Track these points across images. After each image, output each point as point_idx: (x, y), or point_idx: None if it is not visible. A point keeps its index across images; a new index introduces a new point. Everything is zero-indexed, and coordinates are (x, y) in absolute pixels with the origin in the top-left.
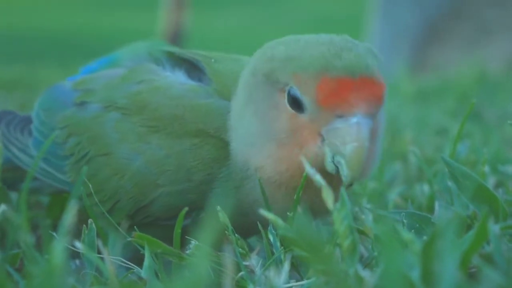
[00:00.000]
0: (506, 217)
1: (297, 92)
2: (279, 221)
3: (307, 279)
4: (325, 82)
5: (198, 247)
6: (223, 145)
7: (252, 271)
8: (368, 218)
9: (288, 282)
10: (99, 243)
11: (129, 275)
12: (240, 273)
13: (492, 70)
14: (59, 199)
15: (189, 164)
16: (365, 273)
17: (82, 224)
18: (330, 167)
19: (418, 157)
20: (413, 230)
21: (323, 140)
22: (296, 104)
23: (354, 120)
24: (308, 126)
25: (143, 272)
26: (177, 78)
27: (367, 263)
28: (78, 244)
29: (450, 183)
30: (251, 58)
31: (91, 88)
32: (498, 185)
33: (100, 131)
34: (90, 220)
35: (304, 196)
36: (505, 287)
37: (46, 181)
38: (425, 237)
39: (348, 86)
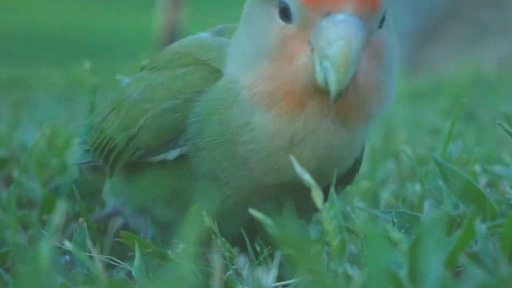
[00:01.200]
0: (494, 216)
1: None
2: (268, 221)
3: (295, 278)
4: None
5: (184, 248)
6: (215, 72)
7: (239, 272)
8: (359, 217)
9: (277, 282)
10: (89, 242)
11: (119, 273)
12: (228, 273)
13: (487, 71)
14: (52, 198)
15: (179, 85)
16: (353, 272)
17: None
18: (320, 78)
19: (409, 157)
20: (403, 230)
21: (312, 48)
22: (285, 13)
23: (340, 17)
24: (297, 35)
25: (133, 271)
26: (200, 35)
27: (356, 262)
28: (67, 243)
29: (440, 182)
30: None
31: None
32: (489, 184)
33: (120, 93)
34: (81, 219)
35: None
36: (490, 285)
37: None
38: (414, 237)
39: None
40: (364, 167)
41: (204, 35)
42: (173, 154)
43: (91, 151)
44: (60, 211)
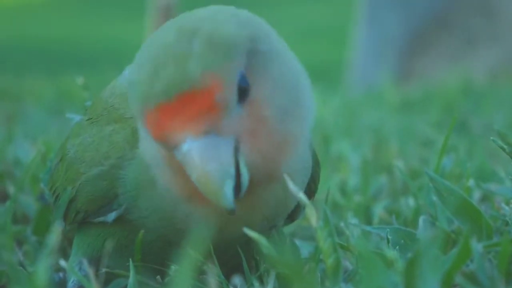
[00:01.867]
0: (490, 233)
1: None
2: (262, 240)
3: None
4: (148, 115)
5: (178, 272)
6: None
7: None
8: (353, 233)
9: None
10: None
11: None
12: None
13: (477, 80)
14: (45, 214)
15: (105, 148)
16: None
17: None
18: None
19: (402, 172)
20: (397, 247)
21: None
22: None
23: (184, 148)
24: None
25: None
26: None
27: (351, 279)
28: (62, 262)
29: (434, 198)
30: None
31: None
32: (483, 199)
33: (67, 138)
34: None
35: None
36: None
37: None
38: (409, 254)
39: (167, 113)
40: (356, 180)
41: None
42: (110, 217)
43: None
44: (56, 232)
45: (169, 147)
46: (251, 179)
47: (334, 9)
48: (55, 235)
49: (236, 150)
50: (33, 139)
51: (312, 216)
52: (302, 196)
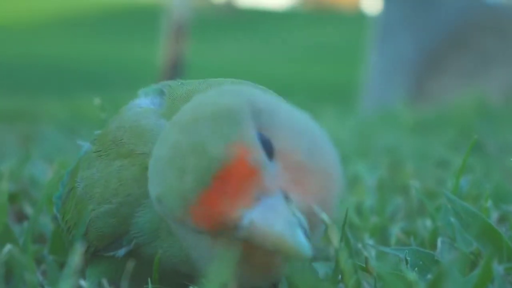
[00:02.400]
0: (510, 255)
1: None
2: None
3: None
4: (193, 212)
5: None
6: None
7: None
8: (370, 254)
9: None
10: (105, 281)
11: None
12: None
13: (492, 101)
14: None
15: (113, 185)
16: None
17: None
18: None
19: (419, 192)
20: (416, 268)
21: None
22: None
23: (245, 223)
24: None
25: None
26: (140, 103)
27: None
28: (83, 282)
29: (452, 219)
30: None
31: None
32: (501, 219)
33: (77, 166)
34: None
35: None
36: None
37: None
38: (429, 276)
39: (211, 198)
40: (372, 201)
41: (145, 103)
42: (120, 252)
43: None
44: (78, 252)
45: (229, 231)
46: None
47: (345, 30)
48: (77, 255)
49: (289, 202)
50: (49, 159)
51: (333, 237)
52: (324, 216)
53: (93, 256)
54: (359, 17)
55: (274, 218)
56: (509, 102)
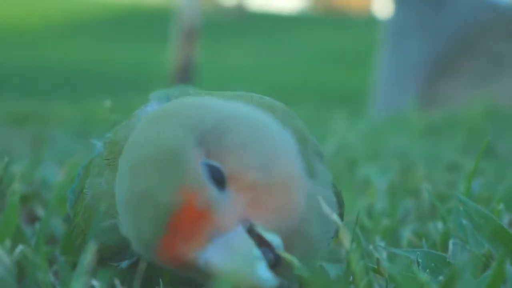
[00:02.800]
0: None
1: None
2: (295, 261)
3: None
4: (157, 254)
5: None
6: None
7: None
8: (382, 256)
9: None
10: (117, 281)
11: None
12: None
13: (502, 105)
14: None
15: (117, 199)
16: None
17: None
18: None
19: (431, 194)
20: (428, 270)
21: None
22: None
23: (201, 263)
24: None
25: None
26: (149, 109)
27: None
28: (95, 282)
29: (464, 221)
30: None
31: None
32: None
33: (88, 168)
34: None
35: None
36: None
37: None
38: (440, 277)
39: (168, 243)
40: (383, 204)
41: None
42: (123, 264)
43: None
44: (91, 251)
45: (190, 268)
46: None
47: (356, 34)
48: (89, 254)
49: (251, 228)
50: (60, 161)
51: (345, 238)
52: (335, 217)
53: (100, 262)
54: (370, 21)
55: (229, 255)
56: None
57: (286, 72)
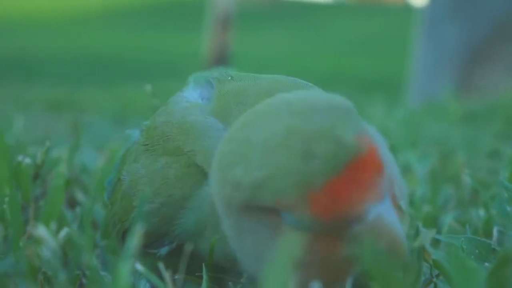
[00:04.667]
0: None
1: (289, 217)
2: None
3: None
4: (314, 198)
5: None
6: (195, 169)
7: None
8: (427, 243)
9: None
10: (161, 265)
11: None
12: None
13: None
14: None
15: (157, 184)
16: None
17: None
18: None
19: (473, 180)
20: (472, 257)
21: (348, 242)
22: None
23: (371, 216)
24: (324, 238)
25: None
26: (188, 96)
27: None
28: (138, 266)
29: (509, 208)
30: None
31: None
32: None
33: (125, 156)
34: None
35: None
36: None
37: None
38: (486, 264)
39: (341, 187)
40: (423, 190)
41: (193, 96)
42: (163, 251)
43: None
44: (138, 233)
45: (344, 222)
46: None
47: (391, 22)
48: (136, 237)
49: None
50: (98, 147)
51: (405, 224)
52: (403, 203)
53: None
54: (405, 10)
55: (394, 220)
56: None
57: (320, 60)
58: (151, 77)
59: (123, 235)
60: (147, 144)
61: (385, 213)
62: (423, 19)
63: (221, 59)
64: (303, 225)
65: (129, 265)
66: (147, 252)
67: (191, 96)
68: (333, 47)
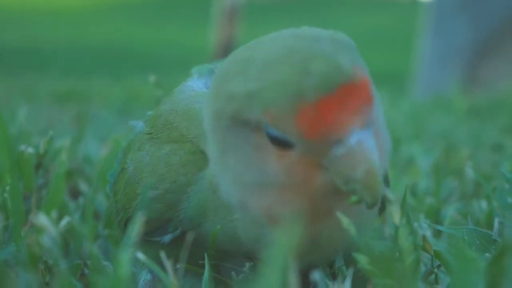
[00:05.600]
0: None
1: (274, 131)
2: (352, 228)
3: None
4: (303, 112)
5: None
6: (197, 154)
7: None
8: (426, 234)
9: None
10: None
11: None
12: None
13: None
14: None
15: (161, 170)
16: None
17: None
18: (345, 189)
19: (476, 172)
20: (473, 247)
21: (327, 168)
22: (280, 142)
23: (353, 140)
24: (303, 160)
25: (203, 284)
26: (193, 85)
27: (426, 279)
28: (140, 255)
29: (510, 200)
30: (208, 91)
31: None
32: None
33: (130, 146)
34: None
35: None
36: None
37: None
38: (487, 255)
39: (330, 106)
40: (426, 183)
41: (197, 86)
42: (166, 238)
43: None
44: (139, 222)
45: (326, 142)
46: None
47: (399, 16)
48: (137, 225)
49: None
50: (102, 138)
51: (396, 214)
52: (388, 193)
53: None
54: (412, 4)
55: (373, 148)
56: None
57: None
58: (158, 69)
59: (126, 224)
60: (152, 133)
61: (366, 140)
62: (430, 13)
63: (228, 50)
64: (285, 142)
65: (130, 254)
66: (150, 241)
67: (196, 85)
68: None
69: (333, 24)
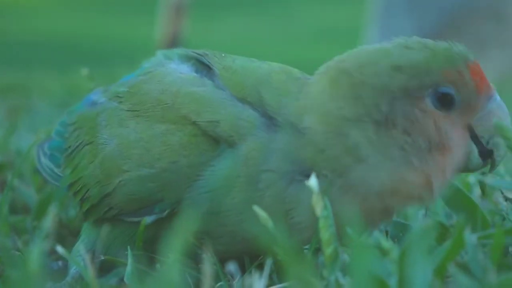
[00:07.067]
0: (487, 226)
1: (449, 88)
2: (269, 223)
3: (285, 284)
4: (473, 70)
5: (172, 256)
6: (201, 139)
7: (230, 280)
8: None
9: None
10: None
11: (111, 279)
12: (219, 283)
13: None
14: (45, 204)
15: (157, 149)
16: (345, 281)
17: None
18: (476, 162)
19: None
20: (396, 239)
21: (475, 127)
22: (444, 103)
23: (497, 97)
24: (457, 123)
25: (125, 277)
26: (179, 69)
27: (348, 271)
28: (59, 248)
29: None
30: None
31: (108, 88)
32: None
33: (95, 121)
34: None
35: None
36: None
37: (52, 183)
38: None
39: (480, 69)
40: None
41: (184, 69)
42: (149, 219)
43: (64, 184)
44: (52, 215)
45: (486, 97)
46: None
47: (349, 10)
48: (50, 218)
49: None
50: (37, 130)
51: (318, 205)
52: (313, 183)
53: (105, 219)
54: None
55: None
56: (504, 86)
57: (276, 49)
58: (103, 62)
59: (101, 199)
60: (137, 110)
61: (500, 107)
62: (376, 9)
63: (174, 45)
64: (450, 99)
65: (42, 246)
66: (123, 221)
67: (182, 69)
68: (289, 36)
69: (284, 22)
